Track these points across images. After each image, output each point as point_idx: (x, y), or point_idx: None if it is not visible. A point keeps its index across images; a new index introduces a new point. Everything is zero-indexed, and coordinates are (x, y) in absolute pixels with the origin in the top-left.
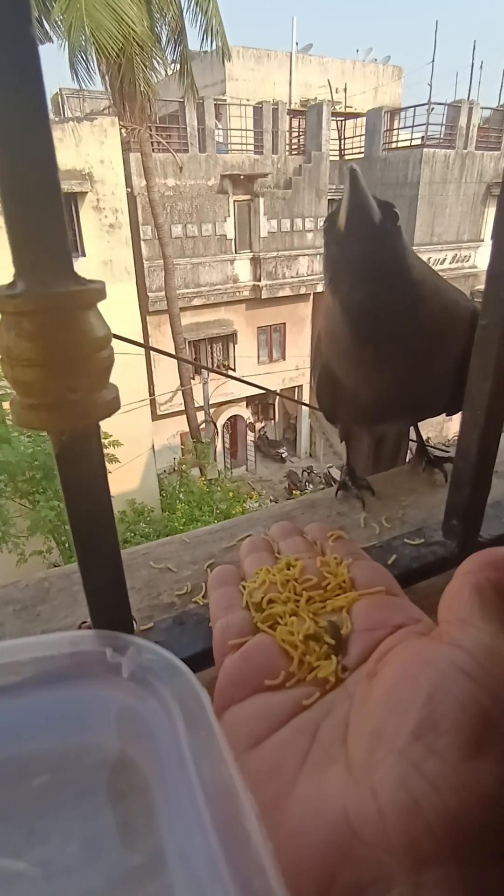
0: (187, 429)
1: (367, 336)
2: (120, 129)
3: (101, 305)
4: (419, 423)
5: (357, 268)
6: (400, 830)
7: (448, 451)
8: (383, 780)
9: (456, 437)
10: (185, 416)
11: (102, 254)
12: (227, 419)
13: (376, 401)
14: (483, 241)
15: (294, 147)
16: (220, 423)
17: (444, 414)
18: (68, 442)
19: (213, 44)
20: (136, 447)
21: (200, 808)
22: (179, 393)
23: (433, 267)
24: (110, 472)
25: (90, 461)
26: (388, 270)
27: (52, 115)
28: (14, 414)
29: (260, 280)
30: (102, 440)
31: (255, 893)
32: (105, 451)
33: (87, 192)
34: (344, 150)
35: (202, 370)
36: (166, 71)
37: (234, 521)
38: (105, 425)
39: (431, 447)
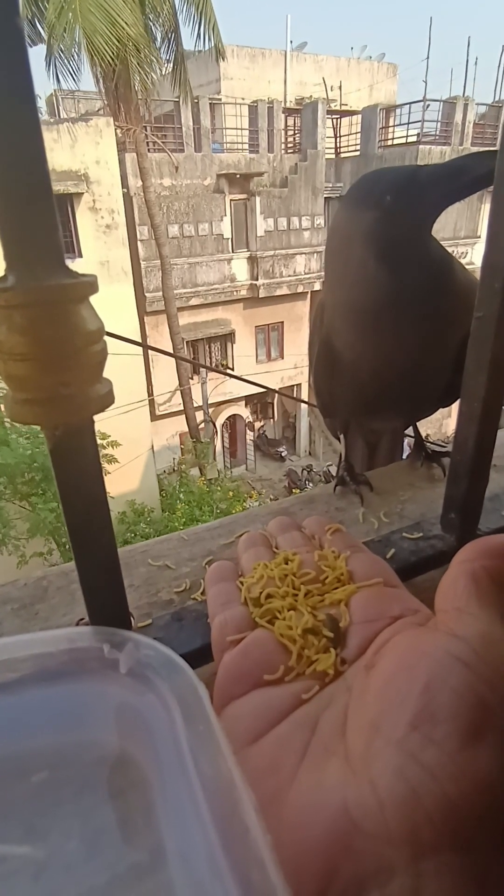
0: (186, 429)
1: (413, 288)
2: (115, 129)
3: (99, 307)
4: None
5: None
6: (399, 821)
7: (446, 447)
8: (382, 771)
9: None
10: (184, 416)
11: (99, 254)
12: (227, 419)
13: (377, 376)
14: (480, 237)
15: (290, 145)
16: (219, 422)
17: (439, 408)
18: (62, 437)
19: (208, 43)
20: (135, 448)
21: (199, 803)
22: (178, 393)
23: None
24: (109, 473)
25: (85, 456)
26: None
27: (47, 117)
28: (7, 409)
29: (257, 279)
30: (101, 440)
31: (254, 886)
32: (104, 451)
33: (83, 193)
34: (340, 147)
35: (201, 370)
36: (161, 71)
37: (233, 517)
38: (104, 426)
39: (430, 443)
